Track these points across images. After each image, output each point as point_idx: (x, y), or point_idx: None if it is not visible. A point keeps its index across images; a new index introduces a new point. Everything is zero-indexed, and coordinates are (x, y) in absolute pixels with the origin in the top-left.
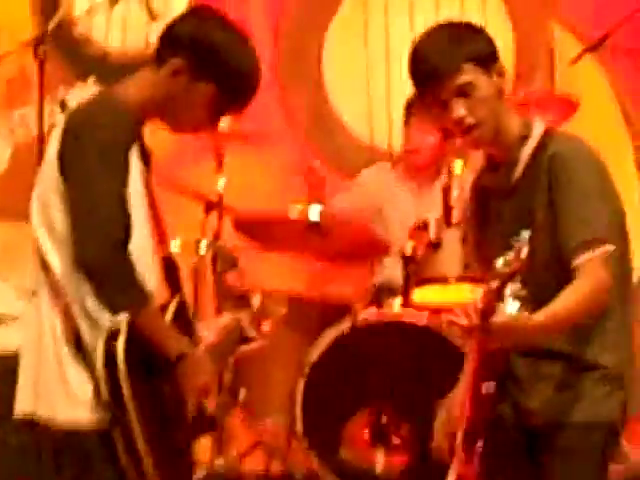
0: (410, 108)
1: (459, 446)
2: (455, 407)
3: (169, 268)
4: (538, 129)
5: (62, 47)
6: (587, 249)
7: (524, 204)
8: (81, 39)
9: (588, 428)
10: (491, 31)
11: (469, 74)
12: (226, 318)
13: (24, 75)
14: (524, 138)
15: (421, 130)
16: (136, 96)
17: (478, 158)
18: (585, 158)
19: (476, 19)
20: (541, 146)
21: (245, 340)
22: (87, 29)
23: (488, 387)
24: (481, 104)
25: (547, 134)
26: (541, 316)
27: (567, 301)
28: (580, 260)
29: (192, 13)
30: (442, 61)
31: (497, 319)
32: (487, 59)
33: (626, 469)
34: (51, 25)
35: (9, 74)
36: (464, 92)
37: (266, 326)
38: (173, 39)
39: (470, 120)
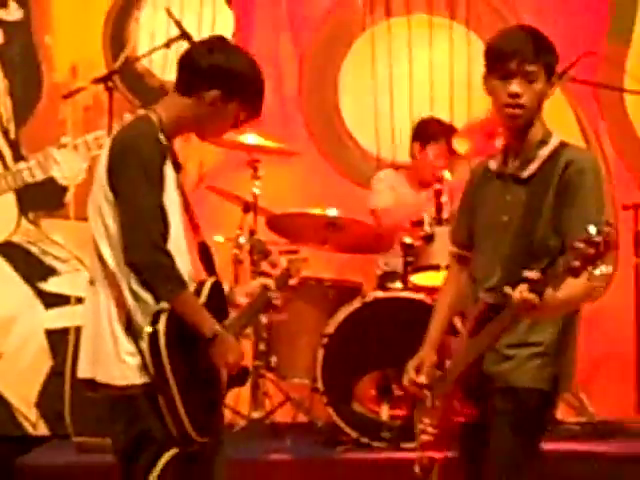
0: (437, 137)
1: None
2: (462, 357)
3: (204, 252)
4: (556, 139)
5: (128, 80)
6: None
7: (534, 195)
8: (143, 73)
9: (522, 393)
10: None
11: (537, 68)
12: (256, 283)
13: (98, 104)
14: (543, 142)
15: (440, 155)
16: (167, 118)
17: (463, 170)
18: (594, 167)
19: (461, 58)
20: (556, 151)
21: (270, 303)
22: (148, 65)
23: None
24: (534, 95)
25: (562, 144)
26: (561, 295)
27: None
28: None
29: (212, 47)
30: (523, 48)
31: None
32: (551, 70)
33: (587, 419)
34: (118, 62)
35: (86, 102)
36: (529, 78)
37: (293, 281)
38: (206, 74)
39: (520, 100)
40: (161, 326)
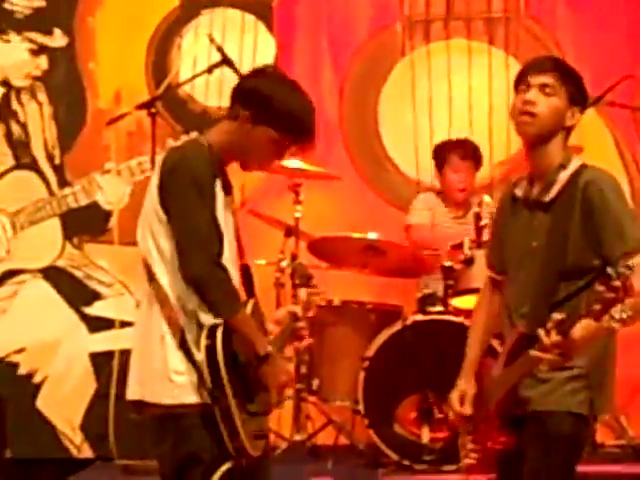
0: (447, 154)
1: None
2: (498, 386)
3: (246, 274)
4: (576, 162)
5: (170, 106)
6: (626, 260)
7: (558, 219)
8: (186, 99)
9: (557, 417)
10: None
11: (554, 81)
12: (282, 311)
13: (141, 129)
14: (562, 166)
15: (454, 170)
16: (215, 142)
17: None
18: (613, 185)
19: (500, 83)
20: (576, 174)
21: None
22: (190, 91)
23: None
24: (549, 107)
25: (582, 166)
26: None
27: None
28: (622, 269)
29: (255, 72)
30: (541, 62)
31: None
32: (575, 97)
33: (626, 442)
34: (161, 88)
35: (129, 128)
36: (546, 91)
37: (311, 313)
38: (239, 95)
39: (533, 108)
40: (218, 340)
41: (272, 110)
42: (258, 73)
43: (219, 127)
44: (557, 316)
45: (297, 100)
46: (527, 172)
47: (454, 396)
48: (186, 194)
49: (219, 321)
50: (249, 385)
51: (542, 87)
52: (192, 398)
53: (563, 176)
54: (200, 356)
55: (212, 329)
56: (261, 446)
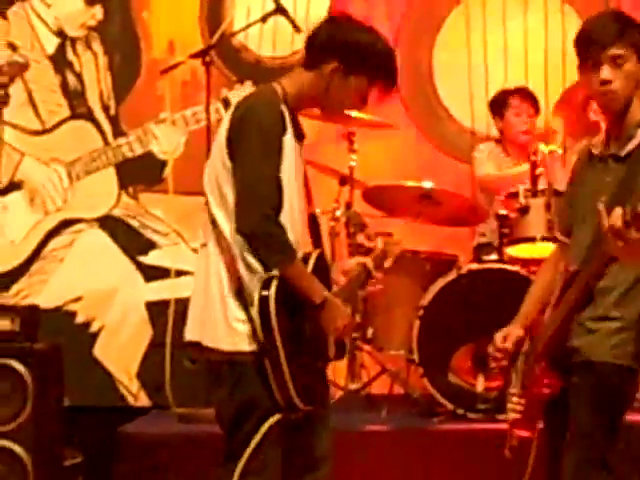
0: (507, 98)
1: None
2: (546, 328)
3: (313, 224)
4: None
5: (224, 55)
6: None
7: (631, 172)
8: (239, 48)
9: (603, 368)
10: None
11: (624, 50)
12: (353, 261)
13: (195, 79)
14: None
15: (517, 113)
16: (291, 91)
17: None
18: None
19: (556, 30)
20: None
21: (369, 279)
22: (244, 40)
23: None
24: (624, 78)
25: None
26: None
27: None
28: None
29: (334, 21)
30: (604, 33)
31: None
32: None
33: None
34: (215, 37)
35: (184, 77)
36: (617, 62)
37: (388, 263)
38: (325, 46)
39: (611, 86)
40: (272, 292)
41: (368, 60)
42: (340, 22)
43: (296, 76)
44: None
45: (386, 48)
46: (604, 130)
47: (498, 334)
48: (252, 145)
49: (275, 273)
50: (307, 337)
51: (613, 60)
52: (250, 346)
53: None
54: (253, 310)
55: (267, 281)
56: (315, 399)
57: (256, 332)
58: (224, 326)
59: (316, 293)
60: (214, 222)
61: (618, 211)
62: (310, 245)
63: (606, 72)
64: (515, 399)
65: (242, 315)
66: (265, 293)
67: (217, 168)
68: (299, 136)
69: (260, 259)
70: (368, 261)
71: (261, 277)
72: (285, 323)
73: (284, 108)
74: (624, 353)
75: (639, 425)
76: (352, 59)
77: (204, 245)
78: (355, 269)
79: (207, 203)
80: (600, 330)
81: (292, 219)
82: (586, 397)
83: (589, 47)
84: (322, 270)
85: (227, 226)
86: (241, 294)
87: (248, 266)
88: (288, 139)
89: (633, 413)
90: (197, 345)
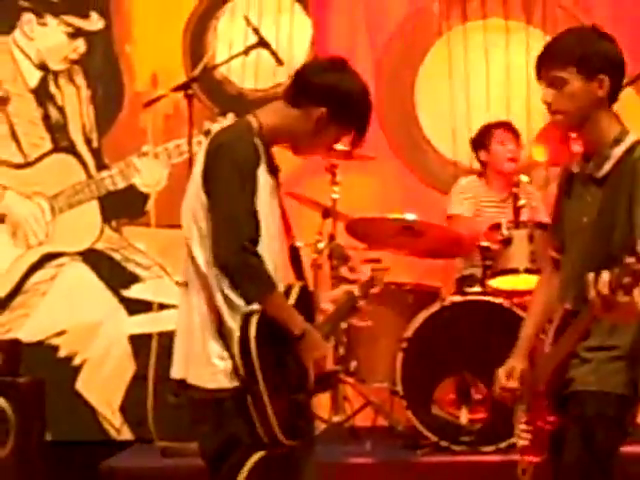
0: (491, 130)
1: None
2: (545, 365)
3: (295, 256)
4: (632, 137)
5: (207, 88)
6: None
7: (610, 196)
8: (222, 81)
9: (599, 397)
10: None
11: (564, 73)
12: (339, 290)
13: (178, 111)
14: (617, 141)
15: (501, 142)
16: (268, 124)
17: (540, 175)
18: None
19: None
20: (630, 150)
21: (354, 310)
22: (227, 73)
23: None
24: (566, 99)
25: (637, 142)
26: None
27: None
28: None
29: (330, 67)
30: (546, 54)
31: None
32: (592, 68)
33: None
34: (197, 70)
35: (166, 111)
36: (556, 84)
37: (376, 289)
38: (316, 90)
39: (553, 107)
40: (252, 328)
41: (355, 112)
42: (335, 67)
43: (275, 110)
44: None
45: (369, 99)
46: (581, 150)
47: (501, 371)
48: (226, 178)
49: (256, 307)
50: (290, 370)
51: (550, 83)
52: (232, 383)
53: (617, 151)
54: (234, 346)
55: (247, 316)
56: (299, 433)
57: (237, 369)
58: (206, 363)
59: (296, 325)
60: (193, 259)
61: (605, 277)
62: (292, 277)
63: (546, 94)
64: (522, 426)
65: (222, 351)
66: (245, 329)
67: (193, 204)
68: (273, 170)
69: (239, 291)
70: (355, 289)
71: (241, 311)
72: (267, 358)
73: (258, 142)
74: (617, 382)
75: (637, 457)
76: (341, 110)
77: (186, 283)
78: (343, 297)
79: (186, 240)
80: (594, 359)
81: (270, 251)
82: (580, 428)
83: (536, 69)
84: (305, 302)
85: (205, 262)
86: (221, 330)
87: (227, 300)
88: (262, 172)
89: (634, 444)
90: (182, 382)
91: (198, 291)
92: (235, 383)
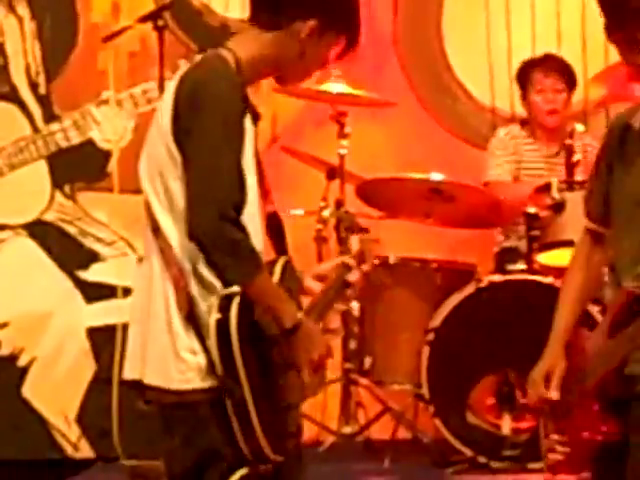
0: (529, 72)
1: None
2: (600, 362)
3: (274, 225)
4: None
5: (182, 18)
6: None
7: None
8: (201, 9)
9: None
10: None
11: None
12: (329, 263)
13: (146, 48)
14: None
15: (539, 90)
16: (245, 56)
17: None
18: None
19: None
20: None
21: (347, 286)
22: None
23: None
24: None
25: None
26: None
27: None
28: None
29: None
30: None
31: None
32: None
33: None
34: None
35: (131, 47)
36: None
37: (367, 266)
38: (302, 3)
39: None
40: (233, 313)
41: (345, 16)
42: None
43: (250, 39)
44: None
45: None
46: None
47: (537, 375)
48: (208, 127)
49: (236, 289)
50: (276, 370)
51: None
52: (206, 382)
53: None
54: (210, 336)
55: (226, 300)
56: (289, 447)
57: (214, 365)
58: (172, 359)
59: (287, 314)
60: (157, 230)
61: None
62: (271, 251)
63: None
64: (556, 437)
65: (195, 344)
66: (224, 315)
67: (159, 160)
68: (254, 116)
69: (218, 272)
70: (349, 260)
71: (218, 295)
72: (250, 353)
73: (242, 82)
74: None
75: None
76: (333, 17)
77: (144, 259)
78: (332, 273)
79: (147, 205)
80: None
81: (254, 221)
82: None
83: (630, 19)
84: (290, 282)
85: (175, 233)
86: (193, 318)
87: (202, 282)
88: (247, 121)
89: None
90: (138, 384)
91: (163, 269)
92: (210, 383)
